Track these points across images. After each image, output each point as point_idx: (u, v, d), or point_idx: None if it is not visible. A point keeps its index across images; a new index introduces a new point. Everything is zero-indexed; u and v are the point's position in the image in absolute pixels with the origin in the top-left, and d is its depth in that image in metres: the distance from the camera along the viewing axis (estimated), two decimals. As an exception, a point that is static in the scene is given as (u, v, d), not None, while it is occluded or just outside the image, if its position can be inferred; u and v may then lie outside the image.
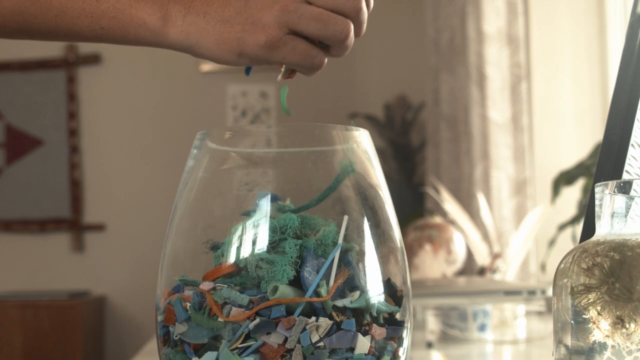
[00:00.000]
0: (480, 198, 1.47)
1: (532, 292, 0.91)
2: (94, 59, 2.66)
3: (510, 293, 0.92)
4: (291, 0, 0.47)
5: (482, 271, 1.28)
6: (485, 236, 1.39)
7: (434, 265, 1.24)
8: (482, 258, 1.32)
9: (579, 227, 1.32)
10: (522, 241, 1.31)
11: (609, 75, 1.69)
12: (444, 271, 1.26)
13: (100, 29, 0.49)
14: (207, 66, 2.62)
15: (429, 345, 0.94)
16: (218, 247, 0.45)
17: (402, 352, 0.46)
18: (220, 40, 0.47)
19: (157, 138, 2.63)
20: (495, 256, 1.28)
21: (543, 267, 1.52)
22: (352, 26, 0.48)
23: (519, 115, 1.69)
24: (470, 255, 1.40)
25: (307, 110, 2.58)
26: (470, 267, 1.48)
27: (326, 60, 0.50)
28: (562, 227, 1.43)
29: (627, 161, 0.43)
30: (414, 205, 2.18)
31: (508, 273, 1.29)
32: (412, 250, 1.25)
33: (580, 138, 1.70)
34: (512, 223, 1.64)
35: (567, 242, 1.44)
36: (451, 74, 1.89)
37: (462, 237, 1.31)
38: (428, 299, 0.93)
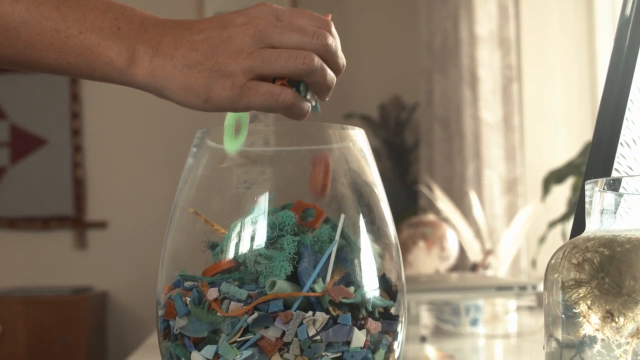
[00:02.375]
0: (473, 196, 1.48)
1: (523, 288, 0.92)
2: (96, 61, 2.66)
3: (502, 288, 0.93)
4: (256, 46, 0.47)
5: (474, 267, 1.29)
6: (478, 233, 1.40)
7: (427, 261, 1.25)
8: (474, 254, 1.33)
9: (569, 225, 1.33)
10: (513, 238, 1.33)
11: (598, 76, 1.71)
12: (437, 267, 1.27)
13: (67, 64, 0.48)
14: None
15: (423, 339, 0.95)
16: (216, 246, 0.45)
17: (396, 346, 0.46)
18: (187, 86, 0.47)
19: (158, 137, 2.63)
20: (487, 253, 1.29)
21: (533, 264, 1.53)
22: (315, 57, 0.47)
23: (510, 115, 1.71)
24: (462, 252, 1.41)
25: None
26: (462, 264, 1.50)
27: (305, 105, 0.49)
28: (552, 224, 1.45)
29: (616, 159, 0.44)
30: (408, 204, 2.19)
31: (499, 269, 1.30)
32: (406, 247, 1.26)
33: (570, 137, 1.72)
34: (504, 220, 1.66)
35: (557, 239, 1.46)
36: (444, 75, 1.90)
37: (455, 234, 1.32)
38: (422, 294, 0.94)
